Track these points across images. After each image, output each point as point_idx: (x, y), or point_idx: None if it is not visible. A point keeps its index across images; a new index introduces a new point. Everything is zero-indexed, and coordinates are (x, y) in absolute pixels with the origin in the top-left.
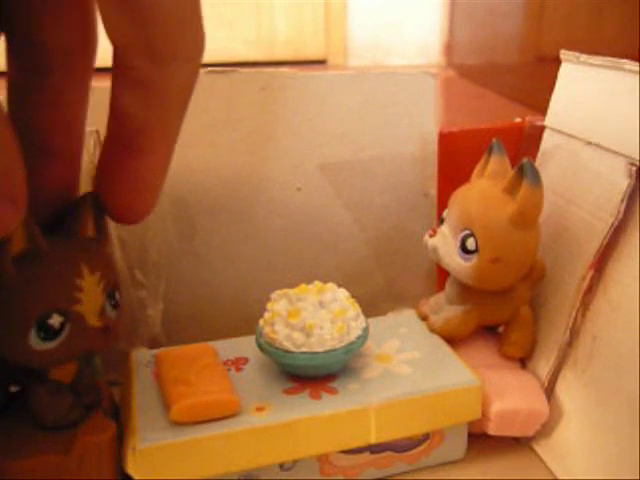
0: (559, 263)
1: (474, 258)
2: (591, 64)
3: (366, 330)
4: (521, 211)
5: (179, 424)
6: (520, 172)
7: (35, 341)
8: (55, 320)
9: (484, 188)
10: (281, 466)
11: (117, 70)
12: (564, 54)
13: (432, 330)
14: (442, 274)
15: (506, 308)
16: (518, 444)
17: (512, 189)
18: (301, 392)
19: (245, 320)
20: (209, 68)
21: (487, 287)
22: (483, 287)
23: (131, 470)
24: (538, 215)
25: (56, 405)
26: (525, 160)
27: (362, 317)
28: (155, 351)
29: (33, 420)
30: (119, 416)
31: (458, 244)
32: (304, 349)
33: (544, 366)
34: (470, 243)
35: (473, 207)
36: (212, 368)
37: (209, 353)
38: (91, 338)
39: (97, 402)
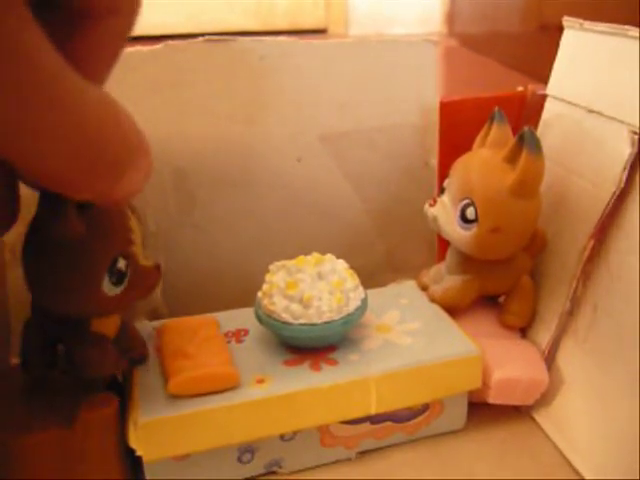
0: (560, 233)
1: (474, 227)
2: (594, 31)
3: (365, 301)
4: (521, 180)
5: (179, 397)
6: (520, 141)
7: (108, 287)
8: (122, 263)
9: (485, 157)
10: (282, 437)
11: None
12: (567, 21)
13: (432, 300)
14: (443, 244)
15: (507, 278)
16: (518, 413)
17: (512, 158)
18: (301, 363)
19: (245, 291)
20: (207, 37)
21: (487, 257)
22: (483, 257)
23: (133, 443)
24: (538, 184)
25: (101, 356)
26: (526, 129)
27: (361, 288)
28: (156, 323)
29: (76, 375)
30: (122, 390)
31: (458, 213)
32: (302, 320)
33: (545, 336)
34: (470, 212)
35: (473, 176)
36: (212, 340)
37: (210, 325)
38: (148, 277)
39: (143, 357)
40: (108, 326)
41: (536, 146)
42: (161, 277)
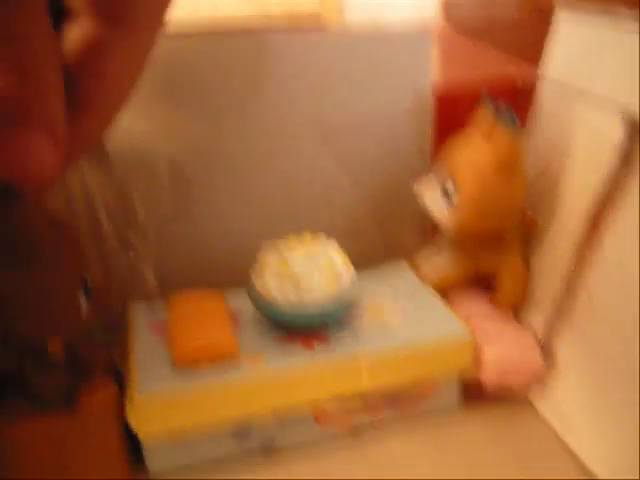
0: (554, 217)
1: (453, 202)
2: (585, 11)
3: (355, 281)
4: (496, 153)
5: (177, 370)
6: (496, 117)
7: (84, 305)
8: (88, 281)
9: (468, 138)
10: (276, 415)
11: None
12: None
13: (423, 278)
14: (436, 228)
15: (497, 258)
16: (515, 397)
17: (490, 134)
18: (294, 342)
19: (239, 277)
20: (204, 33)
21: (465, 230)
22: (462, 231)
23: (130, 419)
24: (515, 158)
25: (54, 380)
26: (500, 104)
27: (351, 268)
28: (152, 304)
29: (32, 399)
30: (119, 376)
31: (440, 190)
32: (293, 300)
33: (540, 321)
34: (450, 187)
35: (455, 154)
36: (217, 314)
37: (217, 299)
38: (97, 297)
39: (93, 363)
40: (58, 345)
41: (510, 120)
42: (108, 297)
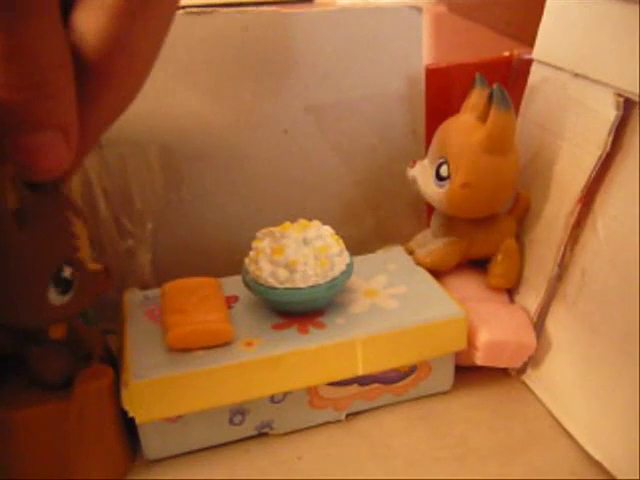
0: (547, 197)
1: (447, 184)
2: None
3: (350, 266)
4: (490, 135)
5: (173, 354)
6: (490, 98)
7: (54, 297)
8: (67, 272)
9: (462, 119)
10: (271, 399)
11: None
12: None
13: (417, 262)
14: (431, 212)
15: (491, 240)
16: (508, 377)
17: (484, 116)
18: (289, 327)
19: (234, 263)
20: (188, 9)
21: (460, 213)
22: (456, 213)
23: (126, 405)
24: (509, 140)
25: (57, 364)
26: (495, 86)
27: (346, 253)
28: (148, 291)
29: (33, 381)
30: (117, 364)
31: (434, 172)
32: (288, 285)
33: (533, 301)
34: (443, 170)
35: (448, 136)
36: (211, 299)
37: (211, 285)
38: (97, 282)
39: (93, 349)
40: (60, 331)
41: (504, 101)
42: (112, 280)
